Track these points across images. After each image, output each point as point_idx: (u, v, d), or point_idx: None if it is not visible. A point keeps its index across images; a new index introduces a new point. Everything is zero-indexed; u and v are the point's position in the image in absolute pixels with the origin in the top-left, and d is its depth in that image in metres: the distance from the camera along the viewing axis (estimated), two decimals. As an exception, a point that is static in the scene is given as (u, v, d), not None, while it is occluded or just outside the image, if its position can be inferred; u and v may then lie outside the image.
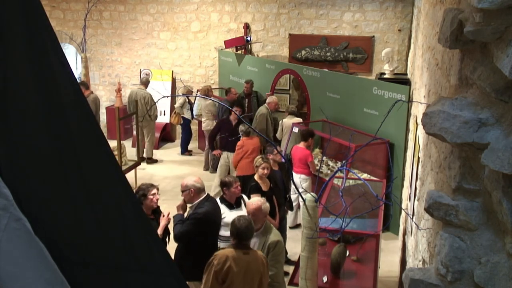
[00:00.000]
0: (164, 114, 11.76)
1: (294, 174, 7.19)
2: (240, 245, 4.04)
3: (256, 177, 5.85)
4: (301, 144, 7.34)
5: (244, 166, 7.48)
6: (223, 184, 5.29)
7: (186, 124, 10.75)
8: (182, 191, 4.91)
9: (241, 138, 7.72)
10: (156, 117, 10.36)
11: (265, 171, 5.80)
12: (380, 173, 7.40)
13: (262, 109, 8.89)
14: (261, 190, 5.73)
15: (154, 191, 4.88)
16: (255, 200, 4.63)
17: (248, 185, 5.96)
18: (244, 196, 5.52)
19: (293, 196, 6.97)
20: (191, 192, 4.84)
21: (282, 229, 6.15)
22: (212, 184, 8.30)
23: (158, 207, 5.09)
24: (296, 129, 8.42)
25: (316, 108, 8.79)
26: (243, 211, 5.26)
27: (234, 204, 5.25)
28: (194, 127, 11.65)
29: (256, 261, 4.02)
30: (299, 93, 10.35)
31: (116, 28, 11.97)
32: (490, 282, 1.65)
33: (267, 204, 4.66)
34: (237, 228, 4.04)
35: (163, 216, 4.92)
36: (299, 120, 8.66)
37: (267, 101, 9.10)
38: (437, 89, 2.92)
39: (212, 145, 8.73)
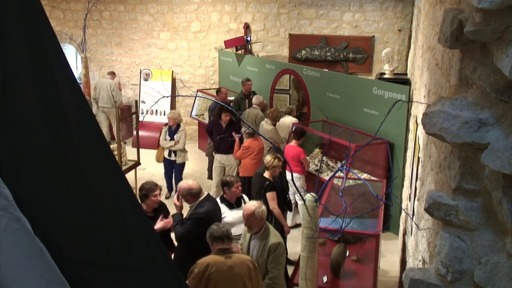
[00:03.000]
0: (164, 114, 11.76)
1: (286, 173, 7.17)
2: (221, 250, 4.04)
3: (267, 175, 5.88)
4: (293, 142, 7.34)
5: (248, 167, 7.45)
6: (224, 183, 5.29)
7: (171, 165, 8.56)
8: (178, 196, 4.92)
9: (245, 139, 7.65)
10: (120, 104, 11.00)
11: (280, 170, 5.95)
12: (380, 173, 7.40)
13: (254, 111, 8.57)
14: (276, 188, 5.81)
15: (157, 192, 4.87)
16: (251, 205, 4.62)
17: (256, 184, 6.00)
18: (244, 196, 5.53)
19: (292, 196, 6.96)
20: (189, 200, 4.86)
21: (282, 230, 6.16)
22: (211, 184, 8.30)
23: (163, 203, 5.10)
24: (295, 129, 8.42)
25: (316, 108, 8.78)
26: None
27: (234, 204, 5.26)
28: (194, 126, 11.67)
29: (241, 265, 3.98)
30: (298, 93, 10.34)
31: (116, 28, 11.97)
32: (490, 282, 1.65)
33: (264, 208, 4.63)
34: (210, 233, 4.09)
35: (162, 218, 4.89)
36: (295, 120, 8.58)
37: (254, 101, 8.75)
38: (437, 89, 2.92)
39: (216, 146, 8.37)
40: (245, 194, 7.26)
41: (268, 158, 5.91)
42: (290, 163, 7.22)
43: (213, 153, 8.33)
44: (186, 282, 3.94)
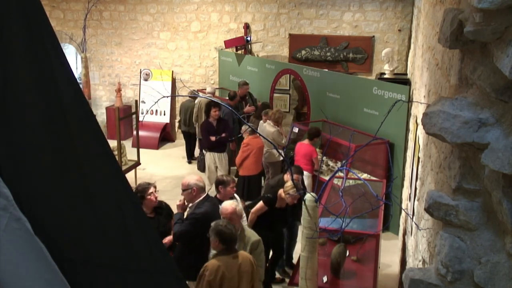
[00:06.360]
0: (164, 114, 11.77)
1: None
2: (228, 250, 4.10)
3: (282, 194, 5.48)
4: (306, 141, 7.37)
5: (248, 166, 7.44)
6: (220, 182, 5.29)
7: None
8: (183, 190, 4.90)
9: (246, 137, 7.65)
10: None
11: (293, 200, 5.40)
12: (380, 173, 7.40)
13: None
14: (272, 206, 5.47)
15: (151, 189, 4.86)
16: (229, 204, 4.64)
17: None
18: (236, 195, 5.53)
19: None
20: (193, 191, 4.85)
21: (292, 236, 6.27)
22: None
23: (162, 202, 5.10)
24: (296, 129, 8.43)
25: (316, 108, 8.78)
26: None
27: None
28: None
29: (245, 262, 4.11)
30: (298, 93, 10.34)
31: (116, 28, 11.97)
32: (490, 282, 1.65)
33: (240, 207, 4.70)
34: (225, 234, 4.07)
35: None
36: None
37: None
38: (437, 89, 2.92)
39: (209, 144, 8.30)
40: (244, 193, 7.27)
41: (289, 183, 5.37)
42: (301, 161, 7.24)
43: (204, 151, 8.34)
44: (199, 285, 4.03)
